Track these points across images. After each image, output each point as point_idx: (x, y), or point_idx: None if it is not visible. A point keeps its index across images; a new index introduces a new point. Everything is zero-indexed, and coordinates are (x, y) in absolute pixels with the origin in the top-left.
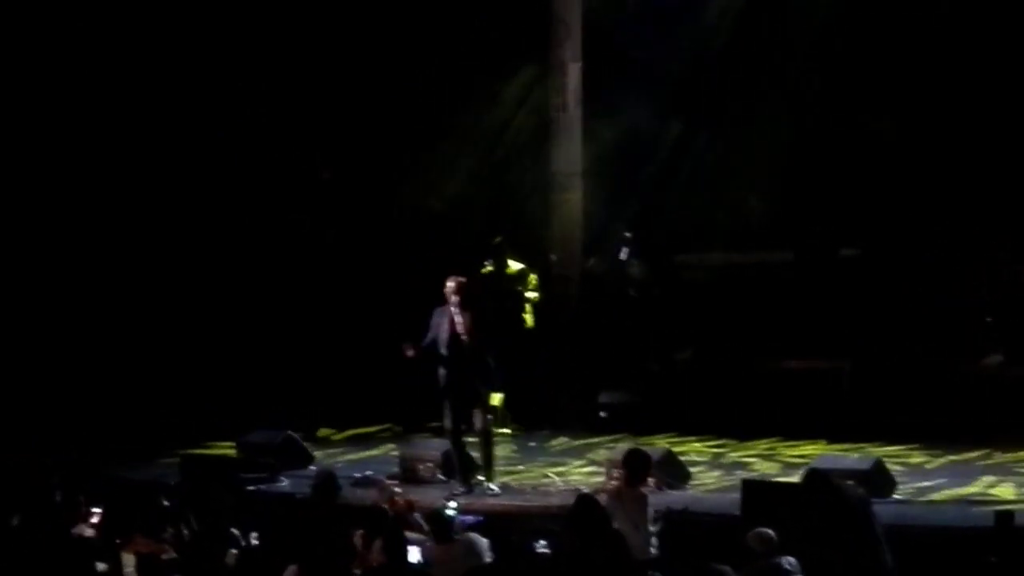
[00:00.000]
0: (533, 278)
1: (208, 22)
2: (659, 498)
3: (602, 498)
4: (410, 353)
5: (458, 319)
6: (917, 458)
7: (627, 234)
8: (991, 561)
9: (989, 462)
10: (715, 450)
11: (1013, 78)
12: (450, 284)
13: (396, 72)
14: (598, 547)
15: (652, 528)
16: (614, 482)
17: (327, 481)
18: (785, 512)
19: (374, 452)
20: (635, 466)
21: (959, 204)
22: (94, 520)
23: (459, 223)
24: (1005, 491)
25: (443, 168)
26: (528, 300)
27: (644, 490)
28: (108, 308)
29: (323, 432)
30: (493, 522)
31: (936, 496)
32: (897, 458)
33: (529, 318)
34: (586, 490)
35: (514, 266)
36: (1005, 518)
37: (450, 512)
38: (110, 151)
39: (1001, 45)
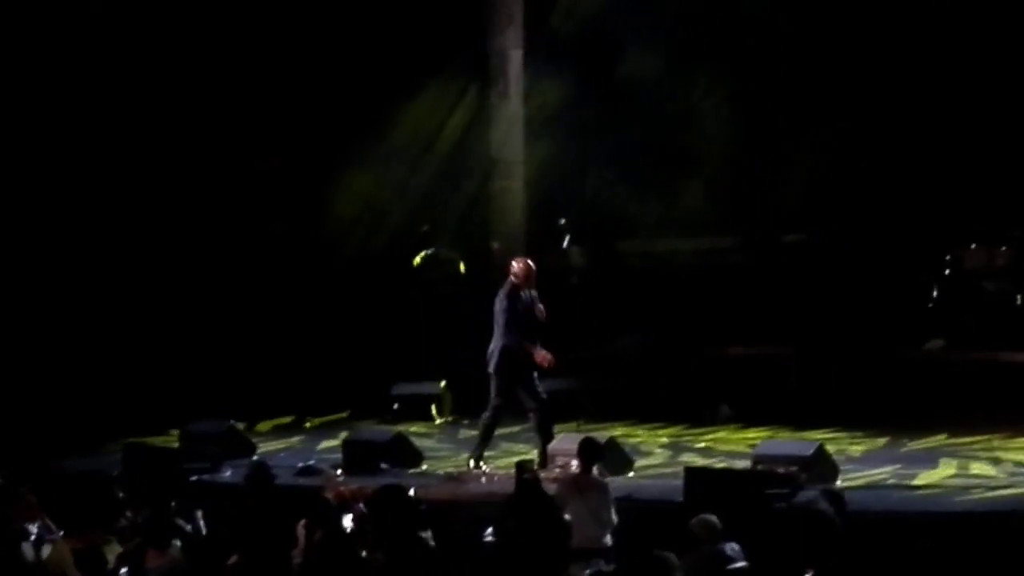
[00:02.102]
0: (461, 265)
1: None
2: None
3: (553, 487)
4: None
5: (539, 304)
6: (860, 444)
7: (563, 221)
8: (928, 546)
9: (932, 447)
10: (659, 437)
11: (950, 66)
12: (522, 266)
13: (336, 61)
14: (539, 534)
15: (614, 517)
16: (558, 469)
17: (259, 471)
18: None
19: (321, 442)
20: (588, 454)
21: (902, 190)
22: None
23: (399, 213)
24: (946, 472)
25: (384, 158)
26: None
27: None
28: (48, 299)
29: (263, 426)
30: (436, 510)
31: (878, 482)
32: (840, 444)
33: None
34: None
35: (444, 254)
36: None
37: None
38: (51, 148)
39: (934, 29)
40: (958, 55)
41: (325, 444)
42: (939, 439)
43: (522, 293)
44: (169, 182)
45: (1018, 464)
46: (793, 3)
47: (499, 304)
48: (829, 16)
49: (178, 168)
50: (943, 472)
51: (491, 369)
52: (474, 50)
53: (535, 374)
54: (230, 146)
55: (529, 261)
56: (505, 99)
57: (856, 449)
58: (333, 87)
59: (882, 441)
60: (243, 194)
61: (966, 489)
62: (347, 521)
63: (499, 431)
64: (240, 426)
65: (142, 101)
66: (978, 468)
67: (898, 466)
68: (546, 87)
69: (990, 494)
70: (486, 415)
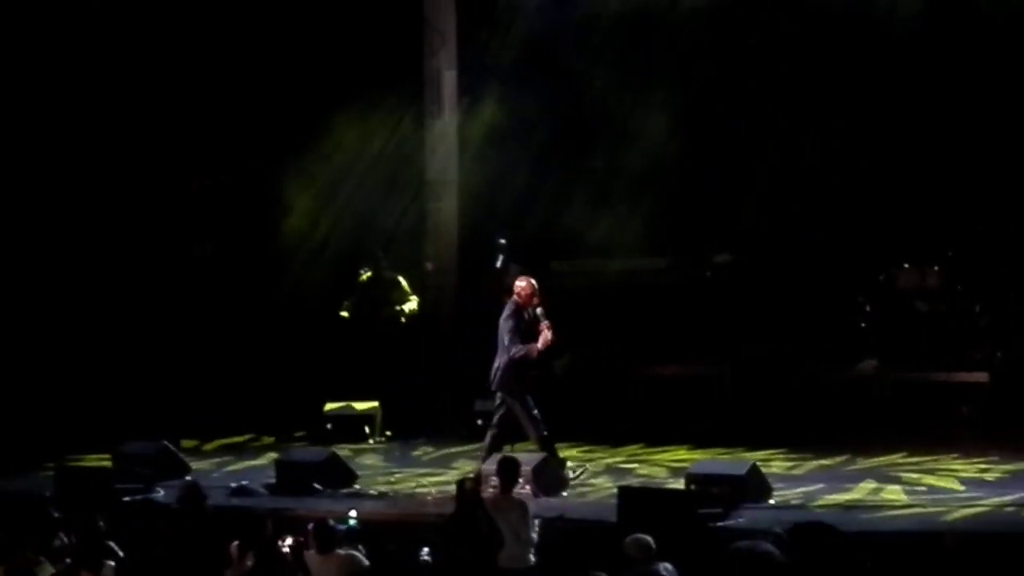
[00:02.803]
0: (406, 286)
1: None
2: (535, 505)
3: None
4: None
5: (545, 322)
6: (793, 463)
7: (502, 241)
8: (867, 566)
9: (865, 466)
10: (593, 456)
11: (882, 87)
12: (524, 284)
13: (270, 81)
14: (478, 549)
15: (534, 536)
16: (491, 490)
17: (192, 492)
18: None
19: (252, 462)
20: (507, 473)
21: (835, 211)
22: None
23: (334, 234)
24: (878, 491)
25: (318, 178)
26: (402, 310)
27: (520, 496)
28: None
29: (187, 443)
30: (370, 530)
31: (812, 501)
32: (774, 463)
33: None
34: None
35: (388, 275)
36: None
37: (351, 522)
38: None
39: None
40: (888, 77)
41: (258, 464)
42: (872, 458)
43: (525, 312)
44: (100, 202)
45: (950, 483)
46: (731, 27)
47: (504, 324)
48: (763, 41)
49: (110, 186)
50: (876, 491)
51: (493, 387)
52: (409, 70)
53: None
54: (164, 165)
55: (532, 280)
56: (439, 119)
57: (790, 468)
58: (269, 106)
59: (815, 460)
60: (177, 213)
61: (899, 508)
62: (285, 545)
63: (432, 451)
64: (187, 444)
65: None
66: (911, 487)
67: (831, 485)
68: (481, 107)
69: (923, 513)
70: (491, 431)
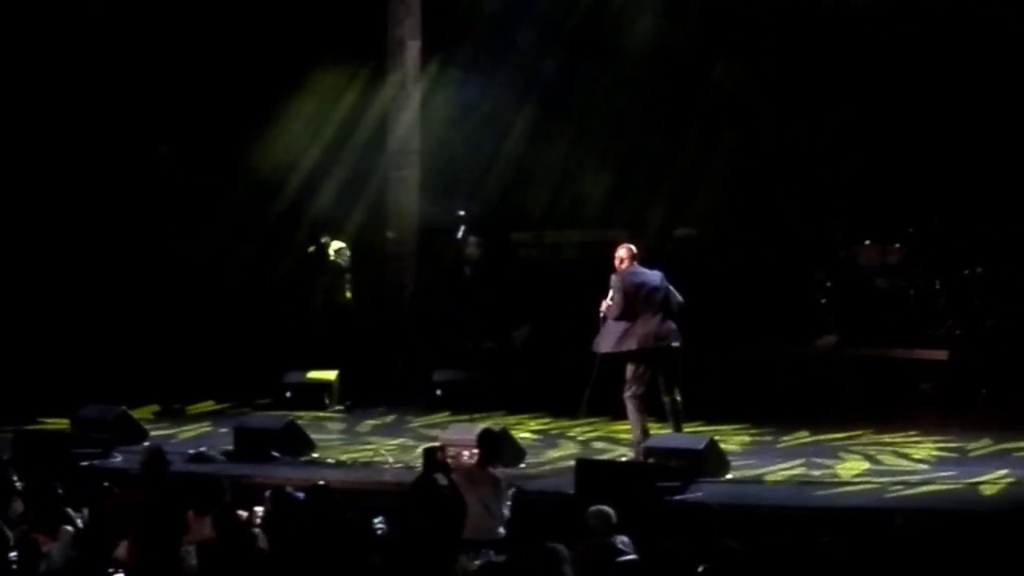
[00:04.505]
0: (345, 250)
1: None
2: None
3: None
4: None
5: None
6: (751, 438)
7: (462, 213)
8: (824, 541)
9: (823, 442)
10: (550, 429)
11: (845, 62)
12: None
13: (234, 49)
14: (442, 517)
15: (506, 511)
16: (450, 460)
17: (155, 457)
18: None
19: (209, 428)
20: (489, 446)
21: (796, 186)
22: None
23: (300, 201)
24: (836, 468)
25: (284, 147)
26: (343, 271)
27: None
28: None
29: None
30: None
31: (769, 477)
32: (731, 438)
33: (348, 293)
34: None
35: (336, 244)
36: None
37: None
38: None
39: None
40: (848, 56)
41: (216, 431)
42: (830, 435)
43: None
44: (59, 168)
45: (908, 460)
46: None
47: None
48: (723, 20)
49: (70, 154)
50: (835, 467)
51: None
52: (374, 39)
53: None
54: (123, 134)
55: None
56: (402, 90)
57: (748, 443)
58: (233, 74)
59: (773, 436)
60: (137, 182)
61: (858, 484)
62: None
63: (391, 420)
64: (139, 413)
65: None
66: (870, 463)
67: (789, 461)
68: (445, 78)
69: (881, 490)
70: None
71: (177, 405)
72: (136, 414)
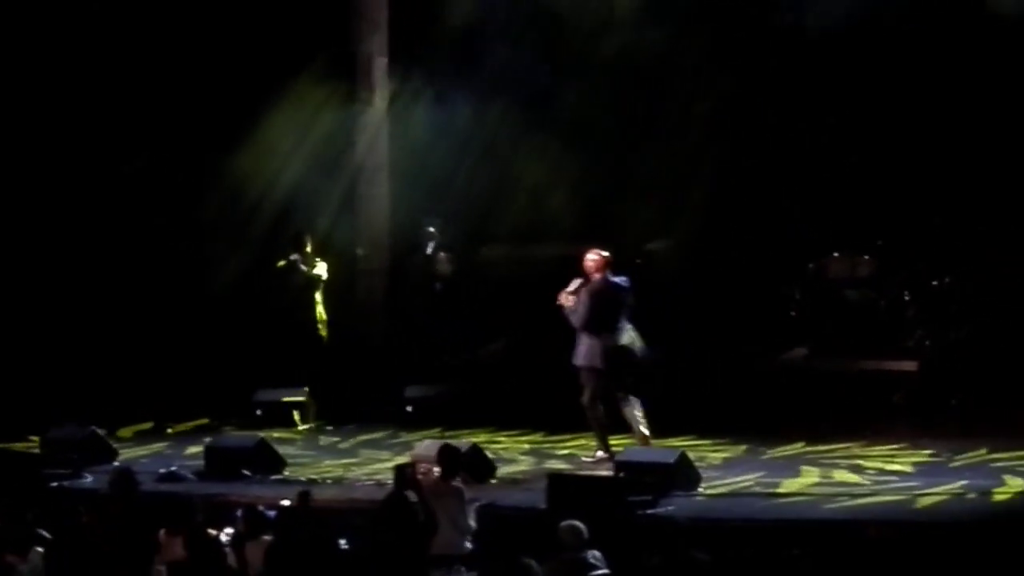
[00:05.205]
0: (323, 265)
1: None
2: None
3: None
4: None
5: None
6: (722, 452)
7: (431, 229)
8: (794, 554)
9: (795, 455)
10: (523, 444)
11: (813, 72)
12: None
13: (202, 64)
14: (405, 543)
15: (471, 523)
16: (420, 476)
17: (123, 477)
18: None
19: (184, 447)
20: (449, 461)
21: (766, 199)
22: None
23: (268, 219)
24: (809, 480)
25: (249, 163)
26: (320, 317)
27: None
28: None
29: (125, 431)
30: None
31: (741, 490)
32: (703, 452)
33: (321, 309)
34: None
35: (301, 278)
36: None
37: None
38: None
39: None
40: (819, 68)
41: (187, 450)
42: (801, 447)
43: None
44: (30, 184)
45: (879, 472)
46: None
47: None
48: (689, 31)
49: (39, 170)
50: (805, 480)
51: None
52: (342, 56)
53: None
54: (92, 151)
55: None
56: (370, 106)
57: (719, 457)
58: (200, 89)
59: (744, 449)
60: (106, 197)
61: (829, 497)
62: (224, 534)
63: (362, 438)
64: (101, 432)
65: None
66: (840, 476)
67: (761, 474)
68: (413, 93)
69: (852, 502)
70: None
71: (168, 424)
72: (123, 433)
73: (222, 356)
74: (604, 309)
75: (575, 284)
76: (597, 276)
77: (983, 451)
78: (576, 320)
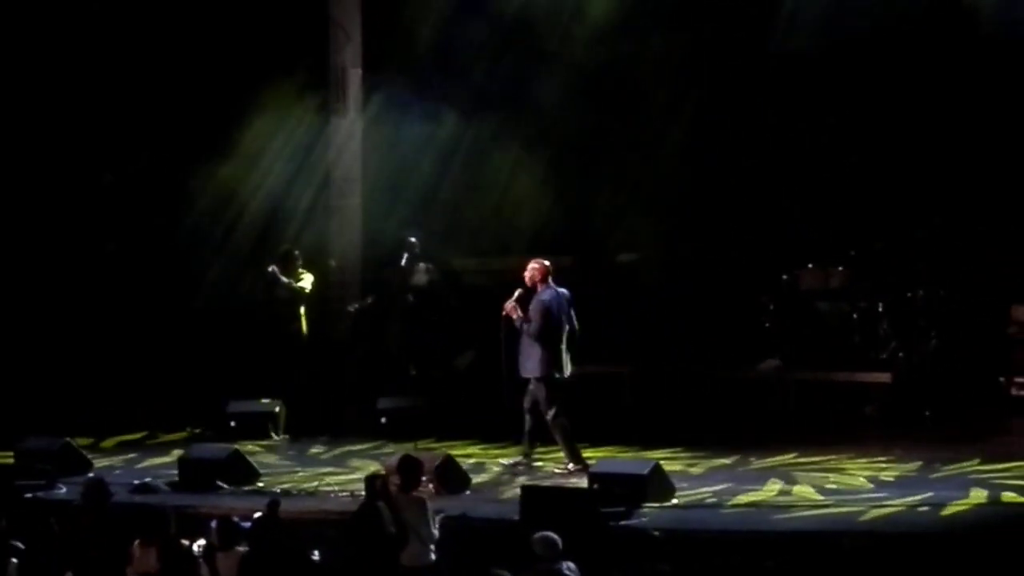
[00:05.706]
0: (309, 278)
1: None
2: (437, 503)
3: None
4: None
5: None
6: (695, 462)
7: (412, 239)
8: (768, 565)
9: (767, 466)
10: (495, 455)
11: (788, 85)
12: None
13: (178, 77)
14: (376, 554)
15: (435, 533)
16: (393, 488)
17: (96, 488)
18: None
19: (157, 458)
20: (408, 472)
21: (738, 211)
22: None
23: (242, 230)
24: (776, 491)
25: (227, 176)
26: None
27: (421, 493)
28: None
29: (108, 443)
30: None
31: (714, 501)
32: (676, 463)
33: (303, 323)
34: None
35: (283, 293)
36: None
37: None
38: None
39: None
40: (789, 78)
41: (161, 461)
42: (773, 458)
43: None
44: (9, 196)
45: (849, 483)
46: (628, 24)
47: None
48: (662, 38)
49: (17, 182)
50: (773, 491)
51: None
52: (316, 68)
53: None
54: (68, 162)
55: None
56: (344, 117)
57: (692, 468)
58: (177, 101)
59: (717, 460)
60: (83, 210)
61: (797, 508)
62: (195, 545)
63: (343, 448)
64: (82, 442)
65: None
66: (809, 487)
67: (731, 484)
68: (386, 104)
69: (821, 512)
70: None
71: (153, 435)
72: (106, 444)
73: (201, 367)
74: (556, 318)
75: (517, 293)
76: (542, 286)
77: (958, 463)
78: (530, 331)
